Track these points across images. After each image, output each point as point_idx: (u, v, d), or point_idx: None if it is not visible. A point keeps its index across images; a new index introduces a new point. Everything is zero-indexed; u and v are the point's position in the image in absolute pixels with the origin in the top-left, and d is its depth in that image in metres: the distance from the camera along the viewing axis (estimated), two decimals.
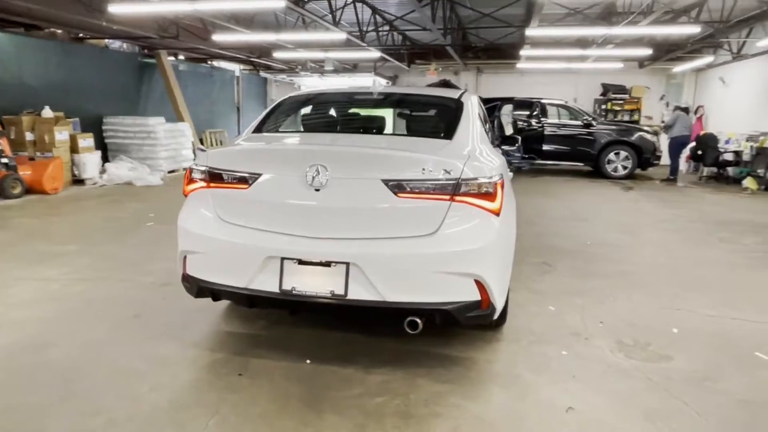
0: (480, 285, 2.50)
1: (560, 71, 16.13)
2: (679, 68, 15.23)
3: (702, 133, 12.47)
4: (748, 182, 10.52)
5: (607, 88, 16.53)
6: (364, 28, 10.94)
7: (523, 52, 11.99)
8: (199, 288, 2.77)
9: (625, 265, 4.82)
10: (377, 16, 12.01)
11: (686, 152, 12.37)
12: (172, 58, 14.03)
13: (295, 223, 2.57)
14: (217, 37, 10.49)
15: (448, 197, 2.50)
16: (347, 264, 2.48)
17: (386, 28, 12.36)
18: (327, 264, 2.50)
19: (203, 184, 2.80)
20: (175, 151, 11.65)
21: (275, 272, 2.56)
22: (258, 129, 3.17)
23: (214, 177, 2.76)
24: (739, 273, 4.83)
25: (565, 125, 12.37)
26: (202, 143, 13.67)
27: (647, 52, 11.75)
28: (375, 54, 13.19)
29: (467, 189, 2.51)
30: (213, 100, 15.75)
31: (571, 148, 12.26)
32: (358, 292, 2.48)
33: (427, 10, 9.99)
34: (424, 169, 2.50)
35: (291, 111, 3.61)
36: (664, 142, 12.10)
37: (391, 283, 2.46)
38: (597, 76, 16.51)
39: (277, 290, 2.56)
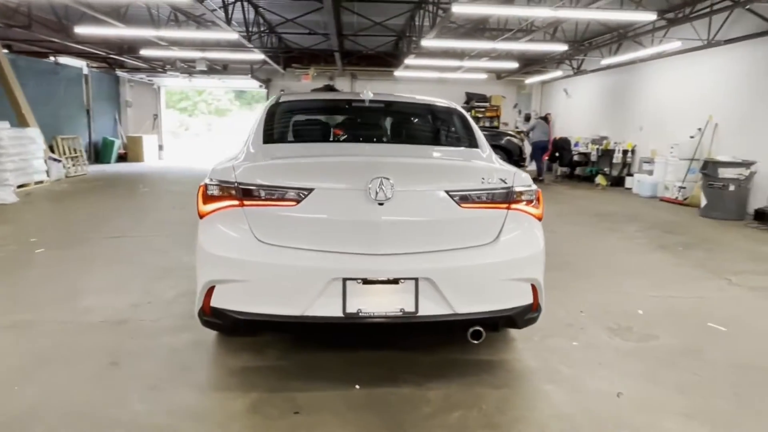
0: (534, 288, 2.61)
1: (432, 80, 17.15)
2: (530, 80, 17.25)
3: (558, 137, 14.31)
4: (600, 179, 12.38)
5: (470, 97, 18.04)
6: (244, 29, 10.43)
7: (409, 60, 12.51)
8: (234, 322, 2.42)
9: (561, 257, 5.35)
10: (260, 18, 11.56)
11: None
12: (6, 50, 11.80)
13: (356, 240, 2.40)
14: (83, 30, 9.10)
15: (505, 206, 2.55)
16: (416, 279, 2.39)
17: (263, 29, 11.95)
18: (395, 281, 2.38)
19: (234, 202, 2.45)
20: (24, 161, 9.84)
21: (337, 295, 2.35)
22: (268, 138, 2.85)
23: (248, 193, 2.43)
24: (640, 257, 5.69)
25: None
26: (53, 152, 11.72)
27: (514, 65, 13.09)
28: (258, 56, 12.64)
29: (519, 197, 2.59)
30: (59, 102, 13.58)
31: None
32: (429, 308, 2.41)
33: (318, 14, 9.91)
34: (483, 179, 2.52)
35: (290, 117, 3.32)
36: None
37: (463, 294, 2.43)
38: (462, 85, 17.92)
39: (340, 314, 2.36)
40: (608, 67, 12.93)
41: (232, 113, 31.20)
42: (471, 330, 2.52)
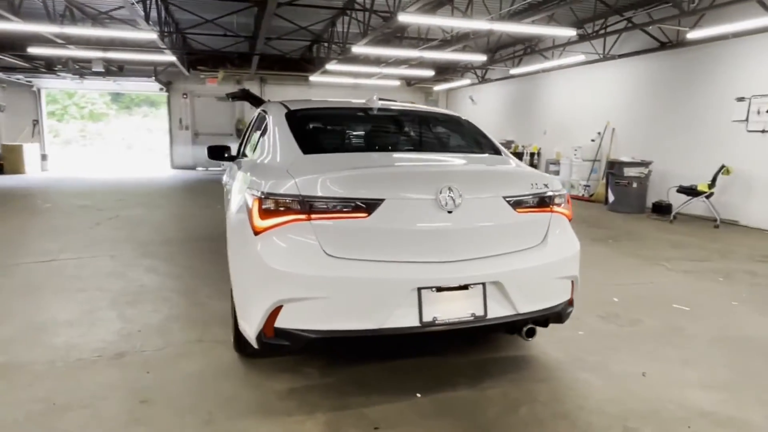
0: (573, 285, 2.82)
1: (346, 86, 17.24)
2: (438, 88, 18.07)
3: None
4: None
5: None
6: (155, 27, 9.73)
7: (330, 66, 12.46)
8: (307, 342, 2.31)
9: None
10: (170, 17, 10.84)
11: None
12: None
13: (427, 248, 2.41)
14: None
15: (549, 209, 2.73)
16: (483, 284, 2.47)
17: (171, 29, 11.22)
18: (465, 287, 2.44)
19: (300, 216, 2.33)
20: None
21: (413, 305, 2.36)
22: (308, 149, 2.73)
23: (315, 206, 2.33)
24: (584, 250, 6.27)
25: None
26: None
27: (430, 73, 13.63)
28: (163, 57, 11.78)
29: (557, 200, 2.78)
30: None
31: None
32: (496, 310, 2.50)
33: (235, 15, 9.54)
34: (532, 185, 2.67)
35: (317, 127, 3.20)
36: None
37: (524, 295, 2.56)
38: (374, 91, 18.23)
39: (417, 324, 2.36)
40: (512, 76, 13.99)
41: (108, 118, 28.60)
42: (526, 328, 2.65)
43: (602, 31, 9.48)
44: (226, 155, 5.04)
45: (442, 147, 3.25)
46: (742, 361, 3.18)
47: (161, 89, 16.68)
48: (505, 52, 13.59)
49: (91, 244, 5.99)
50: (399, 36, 12.04)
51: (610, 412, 2.54)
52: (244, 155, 4.44)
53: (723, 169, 8.09)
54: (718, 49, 8.43)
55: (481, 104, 16.88)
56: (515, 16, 8.44)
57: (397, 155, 3.01)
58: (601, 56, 10.76)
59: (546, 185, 2.73)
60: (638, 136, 10.23)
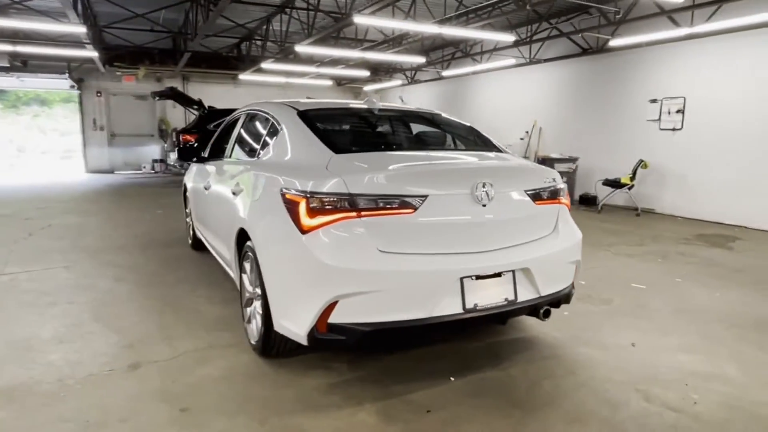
0: (576, 269, 3.13)
1: (275, 84, 16.93)
2: (368, 88, 18.29)
3: None
4: None
5: None
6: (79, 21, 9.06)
7: (266, 65, 12.21)
8: (362, 335, 2.39)
9: None
10: (89, 10, 10.10)
11: None
12: None
13: (465, 240, 2.58)
14: None
15: (557, 201, 3.01)
16: (514, 271, 2.69)
17: (89, 22, 10.47)
18: (498, 274, 2.64)
19: (350, 213, 2.40)
20: None
21: (457, 293, 2.52)
22: (338, 149, 2.78)
23: (364, 204, 2.42)
24: None
25: None
26: None
27: (366, 73, 13.80)
28: (78, 52, 10.91)
29: (561, 193, 3.08)
30: None
31: None
32: (524, 294, 2.73)
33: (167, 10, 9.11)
34: (545, 179, 2.94)
35: (334, 127, 3.22)
36: None
37: (546, 279, 2.81)
38: (304, 90, 18.07)
39: (461, 311, 2.53)
40: (443, 77, 14.56)
41: None
42: (543, 309, 2.91)
43: (535, 37, 10.18)
44: (195, 157, 4.91)
45: (457, 145, 3.42)
46: (704, 328, 3.68)
47: (72, 87, 15.35)
48: (434, 54, 14.10)
49: (34, 255, 5.49)
50: (335, 36, 12.09)
51: (619, 379, 2.87)
52: (222, 157, 4.35)
53: (641, 164, 9.06)
54: (634, 55, 9.41)
55: (411, 104, 17.33)
56: (455, 20, 8.84)
57: (425, 153, 3.13)
58: (528, 60, 11.55)
59: (554, 179, 3.01)
60: (564, 135, 11.12)
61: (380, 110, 3.56)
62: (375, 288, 2.38)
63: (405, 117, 3.67)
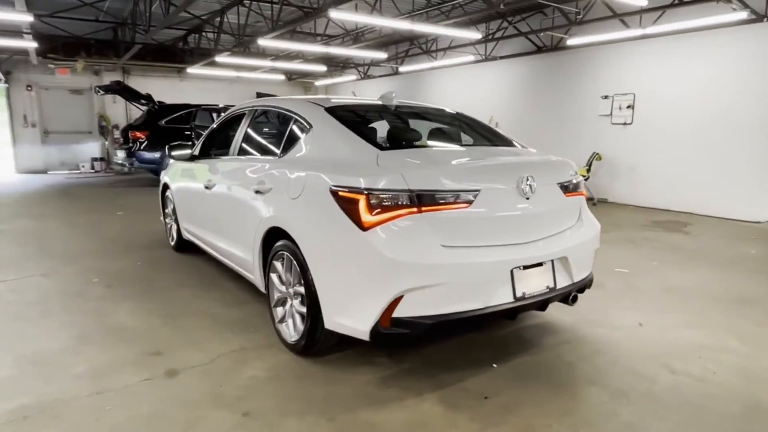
0: (593, 257, 3.34)
1: (223, 78, 16.39)
2: (319, 83, 18.11)
3: None
4: None
5: (261, 97, 17.88)
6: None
7: (220, 58, 11.78)
8: (427, 327, 2.45)
9: None
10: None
11: None
12: None
13: (513, 232, 2.70)
14: None
15: (580, 193, 3.20)
16: (553, 260, 2.84)
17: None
18: (540, 264, 2.78)
19: (411, 209, 2.44)
20: None
21: (508, 283, 2.63)
22: (381, 145, 2.80)
23: (424, 199, 2.47)
24: None
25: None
26: None
27: (323, 68, 13.67)
28: (27, 43, 10.08)
29: (581, 185, 3.27)
30: None
31: None
32: (561, 281, 2.90)
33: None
34: (571, 172, 3.11)
35: (368, 124, 3.21)
36: None
37: (578, 266, 2.99)
38: (252, 85, 17.62)
39: (512, 299, 2.64)
40: (399, 72, 14.70)
41: None
42: (572, 295, 3.09)
43: (496, 35, 10.51)
44: (190, 154, 4.75)
45: (484, 141, 3.50)
46: (693, 305, 4.04)
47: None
48: (390, 50, 14.19)
49: (1, 264, 5.07)
50: (292, 30, 11.88)
51: (642, 356, 3.11)
52: (220, 155, 4.24)
53: (595, 156, 9.64)
54: (587, 54, 9.97)
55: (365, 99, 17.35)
56: (417, 16, 8.98)
57: (463, 149, 3.19)
58: (484, 57, 11.92)
59: (576, 172, 3.20)
60: (520, 129, 11.58)
61: (397, 107, 3.62)
62: (438, 281, 2.44)
63: (423, 113, 3.74)
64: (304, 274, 2.81)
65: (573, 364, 2.99)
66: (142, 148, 11.33)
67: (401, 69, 13.80)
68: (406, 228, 2.45)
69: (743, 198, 7.91)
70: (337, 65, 15.20)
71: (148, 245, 5.84)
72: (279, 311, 3.22)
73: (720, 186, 8.15)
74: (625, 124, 9.48)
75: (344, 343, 2.90)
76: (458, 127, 3.64)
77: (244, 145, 3.91)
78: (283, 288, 3.15)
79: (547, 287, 2.81)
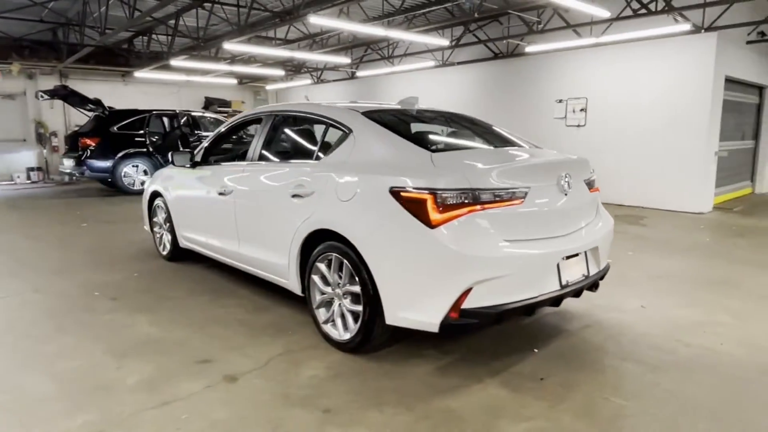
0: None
1: (169, 82, 15.82)
2: (271, 87, 17.88)
3: None
4: None
5: (210, 102, 17.39)
6: None
7: (176, 62, 11.38)
8: (493, 317, 2.63)
9: None
10: None
11: None
12: None
13: (556, 225, 2.94)
14: None
15: (597, 189, 3.50)
16: (586, 250, 3.10)
17: None
18: (577, 254, 3.03)
19: (476, 206, 2.61)
20: None
21: (555, 272, 2.86)
22: (430, 148, 2.95)
23: (486, 197, 2.64)
24: None
25: None
26: None
27: (281, 72, 13.53)
28: None
29: (596, 182, 3.58)
30: None
31: None
32: (592, 270, 3.17)
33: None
34: (591, 170, 3.40)
35: (407, 128, 3.31)
36: None
37: (602, 256, 3.29)
38: (202, 89, 17.11)
39: (558, 288, 2.88)
40: (354, 77, 14.84)
41: None
42: (596, 281, 3.37)
43: (460, 42, 10.89)
44: (191, 160, 4.67)
45: (507, 142, 3.69)
46: (679, 288, 4.49)
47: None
48: (347, 54, 14.31)
49: None
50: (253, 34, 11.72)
51: (657, 334, 3.45)
52: (230, 160, 4.23)
53: None
54: (542, 60, 10.58)
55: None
56: (379, 20, 9.19)
57: (498, 150, 3.36)
58: (442, 63, 12.32)
59: (593, 170, 3.50)
60: None
61: (419, 111, 3.77)
62: (502, 273, 2.63)
63: (445, 116, 3.91)
64: (359, 273, 2.90)
65: (601, 345, 3.27)
66: (92, 155, 10.75)
67: (359, 74, 13.94)
68: (471, 224, 2.62)
69: (688, 192, 8.73)
70: (292, 69, 15.10)
71: (136, 256, 5.62)
72: (322, 312, 3.28)
73: (667, 182, 8.94)
74: (578, 126, 10.15)
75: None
76: (475, 130, 3.83)
77: (265, 150, 3.91)
78: (328, 289, 3.21)
79: (583, 275, 3.07)
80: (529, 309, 2.80)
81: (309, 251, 3.33)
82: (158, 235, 5.52)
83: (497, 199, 2.69)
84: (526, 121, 11.04)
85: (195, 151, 4.71)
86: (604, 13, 7.19)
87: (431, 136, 3.28)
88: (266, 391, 2.70)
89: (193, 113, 12.18)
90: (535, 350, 3.18)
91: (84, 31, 10.65)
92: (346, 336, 3.09)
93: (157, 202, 5.36)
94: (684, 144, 8.69)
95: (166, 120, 11.87)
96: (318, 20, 6.84)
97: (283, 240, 3.46)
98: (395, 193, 2.74)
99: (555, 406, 2.54)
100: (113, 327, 3.60)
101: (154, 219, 5.52)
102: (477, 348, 3.22)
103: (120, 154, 10.96)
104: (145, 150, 11.28)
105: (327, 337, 3.24)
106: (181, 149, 11.74)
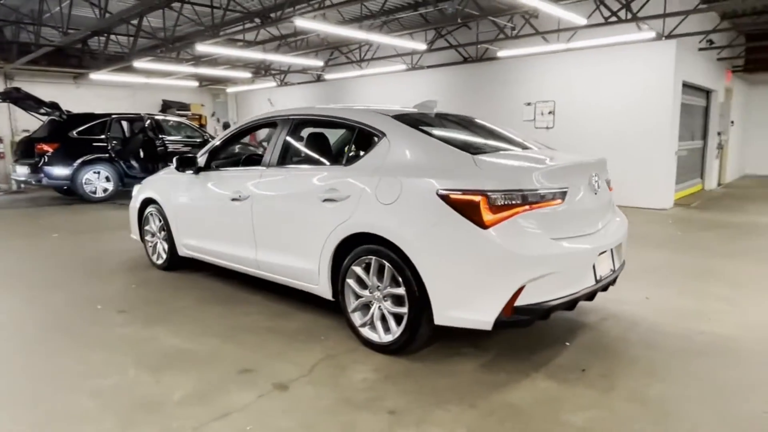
0: None
1: (122, 84, 15.18)
2: (231, 89, 17.48)
3: None
4: None
5: (168, 105, 16.80)
6: None
7: (139, 63, 10.93)
8: (545, 312, 2.75)
9: None
10: None
11: None
12: None
13: (588, 223, 3.09)
14: None
15: (611, 188, 3.69)
16: (613, 247, 3.27)
17: None
18: (606, 250, 3.20)
19: (524, 207, 2.71)
20: None
21: (590, 268, 3.01)
22: (470, 151, 3.02)
23: (534, 198, 2.75)
24: None
25: (187, 143, 12.19)
26: None
27: (248, 74, 13.26)
28: None
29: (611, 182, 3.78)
30: None
31: None
32: (617, 264, 3.35)
33: None
34: (607, 170, 3.59)
35: (441, 131, 3.36)
36: None
37: (624, 251, 3.47)
38: (159, 91, 16.51)
39: (594, 282, 3.02)
40: (321, 80, 14.76)
41: None
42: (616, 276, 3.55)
43: (434, 47, 11.07)
44: (193, 166, 4.55)
45: (520, 143, 3.81)
46: (670, 280, 4.79)
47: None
48: (317, 56, 14.22)
49: None
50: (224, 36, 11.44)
51: (668, 322, 3.68)
52: (252, 164, 4.17)
53: None
54: (511, 64, 10.93)
55: (280, 106, 17.09)
56: (355, 24, 9.23)
57: (528, 152, 3.47)
58: (411, 66, 12.48)
59: (608, 170, 3.69)
60: None
61: (438, 114, 3.85)
62: (552, 270, 2.74)
63: (460, 119, 4.00)
64: (403, 275, 2.94)
65: (624, 336, 3.45)
66: (50, 162, 10.15)
67: (327, 77, 13.88)
68: (521, 224, 2.72)
69: (652, 189, 9.28)
70: (258, 71, 14.83)
71: (125, 266, 5.38)
72: (357, 316, 3.29)
73: (632, 180, 9.46)
74: (547, 128, 10.57)
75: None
76: (493, 132, 3.94)
77: (285, 155, 3.86)
78: (365, 292, 3.22)
79: (611, 270, 3.24)
80: (572, 304, 2.93)
81: (341, 255, 3.33)
82: (150, 244, 5.31)
83: (542, 199, 2.80)
84: (495, 123, 11.33)
85: (198, 156, 4.58)
86: (581, 20, 7.56)
87: (465, 139, 3.35)
88: (323, 396, 2.68)
89: (156, 117, 11.75)
90: (567, 343, 3.33)
91: (40, 31, 10.04)
92: (388, 338, 3.11)
93: (150, 209, 5.17)
94: (648, 144, 9.22)
95: (128, 124, 11.40)
96: (304, 23, 6.78)
97: (313, 245, 3.44)
98: (444, 195, 2.80)
99: (605, 395, 2.68)
100: (133, 340, 3.46)
101: (146, 227, 5.31)
102: (512, 344, 3.32)
103: (80, 161, 10.41)
104: (107, 156, 10.77)
105: (365, 341, 3.25)
106: (142, 155, 11.46)
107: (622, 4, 7.95)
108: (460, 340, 3.33)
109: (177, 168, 4.57)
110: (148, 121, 11.31)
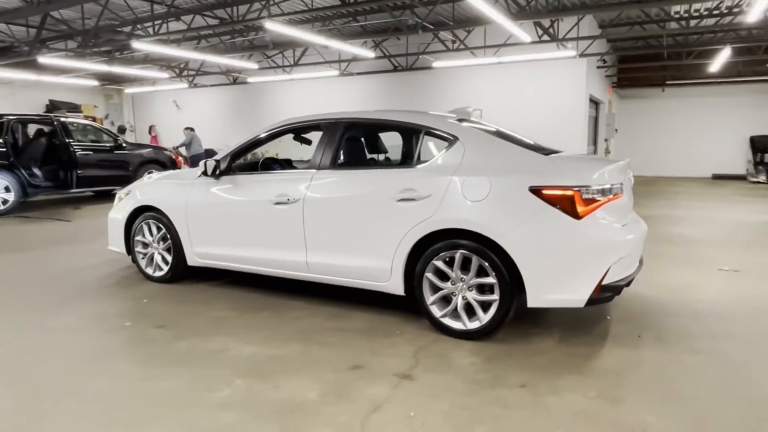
0: None
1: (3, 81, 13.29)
2: (129, 90, 16.09)
3: (206, 148, 14.41)
4: None
5: (57, 105, 15.02)
6: None
7: (45, 59, 9.66)
8: (619, 289, 3.22)
9: None
10: None
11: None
12: None
13: (626, 214, 3.64)
14: None
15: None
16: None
17: None
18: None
19: (605, 200, 3.17)
20: None
21: (640, 252, 3.58)
22: (545, 152, 3.43)
23: (606, 192, 3.22)
24: None
25: (97, 148, 11.04)
26: None
27: (165, 75, 12.36)
28: None
29: None
30: None
31: (106, 172, 11.20)
32: (642, 253, 3.97)
33: None
34: None
35: (497, 134, 3.65)
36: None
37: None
38: (43, 91, 14.65)
39: (638, 266, 3.59)
40: (235, 82, 14.27)
41: None
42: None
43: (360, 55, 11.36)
44: (214, 170, 4.40)
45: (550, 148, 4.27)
46: (674, 267, 5.57)
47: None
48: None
49: None
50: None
51: (679, 301, 4.35)
52: (287, 166, 4.15)
53: None
54: (439, 73, 11.66)
55: (189, 109, 16.14)
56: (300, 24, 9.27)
57: (582, 154, 3.94)
58: (340, 73, 12.68)
59: None
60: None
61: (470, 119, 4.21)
62: (626, 253, 3.24)
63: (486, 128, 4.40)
64: (494, 265, 3.24)
65: (662, 319, 4.00)
66: None
67: (250, 80, 13.49)
68: (605, 214, 3.18)
69: None
70: (181, 72, 13.87)
71: (112, 281, 4.91)
72: (435, 308, 3.50)
73: None
74: None
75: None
76: (521, 138, 4.39)
77: (340, 158, 3.92)
78: (446, 284, 3.45)
79: (640, 260, 3.85)
80: (629, 282, 3.46)
81: (417, 252, 3.52)
82: (142, 256, 4.92)
83: (613, 193, 3.29)
84: None
85: (219, 160, 4.40)
86: (526, 38, 8.44)
87: (527, 141, 3.74)
88: (451, 381, 2.87)
89: (61, 119, 10.52)
90: (608, 317, 3.87)
91: None
92: (474, 325, 3.37)
93: (145, 218, 4.80)
94: (563, 148, 10.48)
95: (30, 127, 10.06)
96: (275, 27, 6.67)
97: (385, 243, 3.58)
98: (536, 190, 3.16)
99: (672, 355, 3.23)
100: (204, 353, 3.29)
101: (137, 238, 4.90)
102: (563, 323, 3.77)
103: None
104: (6, 163, 9.40)
105: (446, 329, 3.47)
106: (46, 160, 10.17)
107: (544, 29, 9.04)
108: (520, 322, 3.69)
109: (206, 172, 4.34)
110: (55, 123, 10.09)
